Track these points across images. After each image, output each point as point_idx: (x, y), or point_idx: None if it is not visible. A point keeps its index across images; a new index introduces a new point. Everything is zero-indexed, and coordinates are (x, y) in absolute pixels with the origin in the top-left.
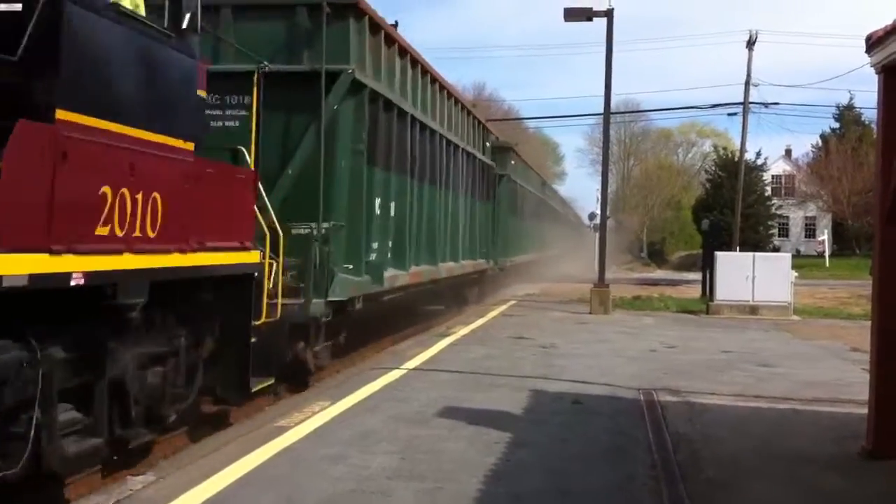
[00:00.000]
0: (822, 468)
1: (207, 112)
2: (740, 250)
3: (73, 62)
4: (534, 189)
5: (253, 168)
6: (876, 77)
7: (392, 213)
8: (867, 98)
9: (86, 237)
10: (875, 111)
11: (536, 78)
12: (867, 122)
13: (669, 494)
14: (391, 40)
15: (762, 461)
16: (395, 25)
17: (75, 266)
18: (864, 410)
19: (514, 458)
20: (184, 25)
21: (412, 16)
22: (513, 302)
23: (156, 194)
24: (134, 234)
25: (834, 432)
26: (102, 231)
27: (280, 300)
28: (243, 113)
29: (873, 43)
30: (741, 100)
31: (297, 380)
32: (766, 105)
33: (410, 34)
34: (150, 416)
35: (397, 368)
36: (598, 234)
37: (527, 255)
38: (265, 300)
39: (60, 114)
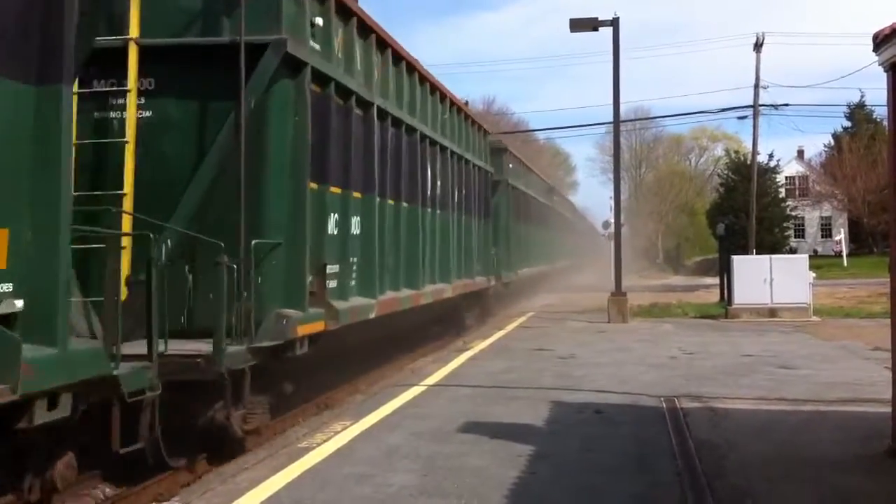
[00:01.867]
0: (849, 470)
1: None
2: (757, 253)
3: None
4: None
5: None
6: (884, 75)
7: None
8: (878, 95)
9: None
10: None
11: (545, 90)
12: (879, 120)
13: (695, 503)
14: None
15: (788, 465)
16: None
17: None
18: (889, 409)
19: (538, 470)
20: None
21: (419, 33)
22: (531, 314)
23: None
24: None
25: (859, 432)
26: None
27: None
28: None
29: (880, 41)
30: (751, 103)
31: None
32: (776, 107)
33: (417, 52)
34: None
35: (417, 385)
36: (612, 243)
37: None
38: None
39: None
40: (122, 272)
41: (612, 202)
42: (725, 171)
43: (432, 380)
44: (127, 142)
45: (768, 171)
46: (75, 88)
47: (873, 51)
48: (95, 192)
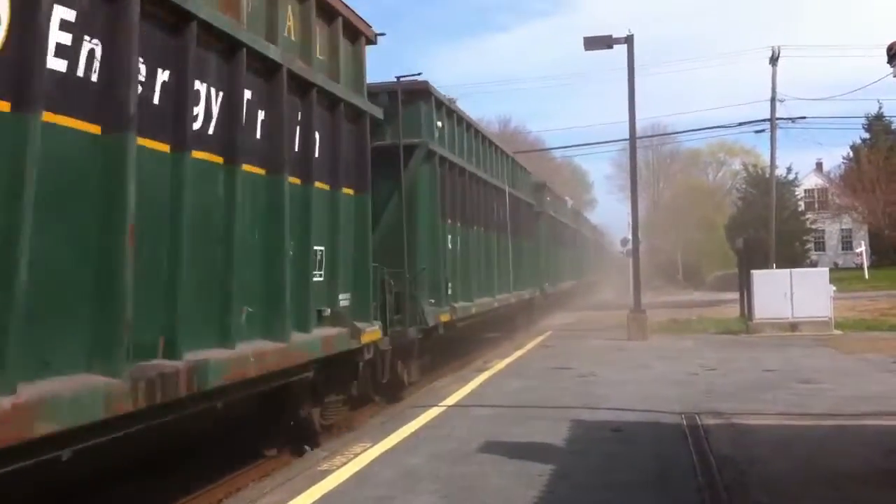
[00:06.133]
0: (873, 485)
1: None
2: (777, 267)
3: None
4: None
5: None
6: None
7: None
8: None
9: None
10: None
11: (562, 108)
12: None
13: None
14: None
15: (811, 481)
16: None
17: None
18: None
19: (558, 490)
20: None
21: (434, 56)
22: (550, 332)
23: None
24: None
25: (883, 447)
26: None
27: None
28: None
29: (895, 53)
30: (768, 116)
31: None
32: (793, 120)
33: (433, 73)
34: None
35: (436, 406)
36: (631, 260)
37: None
38: None
39: None
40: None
41: (630, 219)
42: (744, 186)
43: (451, 400)
44: None
45: (787, 185)
46: None
47: (888, 62)
48: None
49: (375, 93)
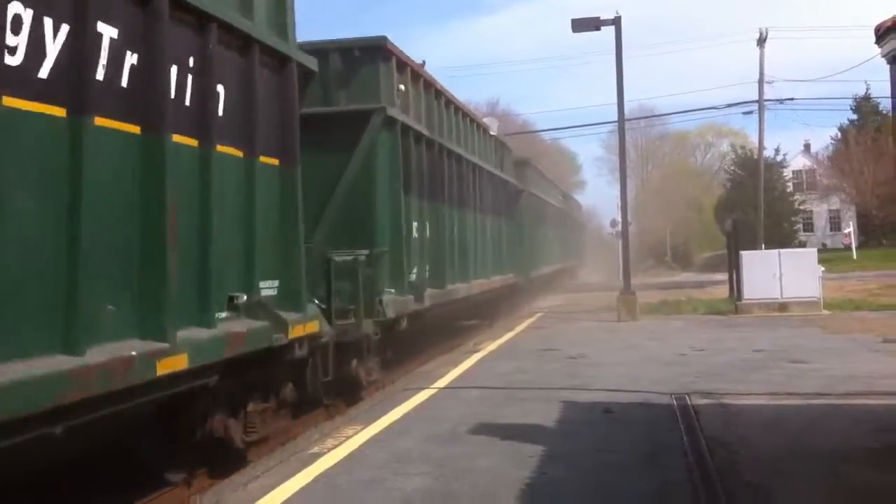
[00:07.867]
0: (864, 464)
1: None
2: (766, 247)
3: None
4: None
5: None
6: (888, 67)
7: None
8: (884, 87)
9: None
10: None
11: (550, 90)
12: (885, 112)
13: (708, 501)
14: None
15: (801, 461)
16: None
17: None
18: None
19: (549, 471)
20: None
21: (424, 38)
22: (540, 314)
23: None
24: None
25: (872, 426)
26: None
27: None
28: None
29: (882, 33)
30: (756, 98)
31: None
32: (781, 101)
33: (420, 56)
34: None
35: (427, 388)
36: (620, 241)
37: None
38: None
39: None
40: None
41: (620, 201)
42: (732, 167)
43: (442, 382)
44: None
45: (775, 166)
46: None
47: (875, 43)
48: None
49: (326, 51)
